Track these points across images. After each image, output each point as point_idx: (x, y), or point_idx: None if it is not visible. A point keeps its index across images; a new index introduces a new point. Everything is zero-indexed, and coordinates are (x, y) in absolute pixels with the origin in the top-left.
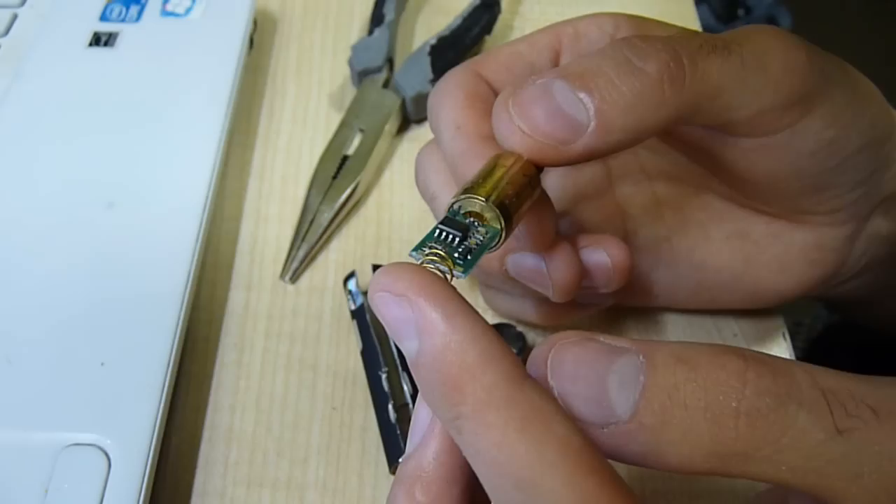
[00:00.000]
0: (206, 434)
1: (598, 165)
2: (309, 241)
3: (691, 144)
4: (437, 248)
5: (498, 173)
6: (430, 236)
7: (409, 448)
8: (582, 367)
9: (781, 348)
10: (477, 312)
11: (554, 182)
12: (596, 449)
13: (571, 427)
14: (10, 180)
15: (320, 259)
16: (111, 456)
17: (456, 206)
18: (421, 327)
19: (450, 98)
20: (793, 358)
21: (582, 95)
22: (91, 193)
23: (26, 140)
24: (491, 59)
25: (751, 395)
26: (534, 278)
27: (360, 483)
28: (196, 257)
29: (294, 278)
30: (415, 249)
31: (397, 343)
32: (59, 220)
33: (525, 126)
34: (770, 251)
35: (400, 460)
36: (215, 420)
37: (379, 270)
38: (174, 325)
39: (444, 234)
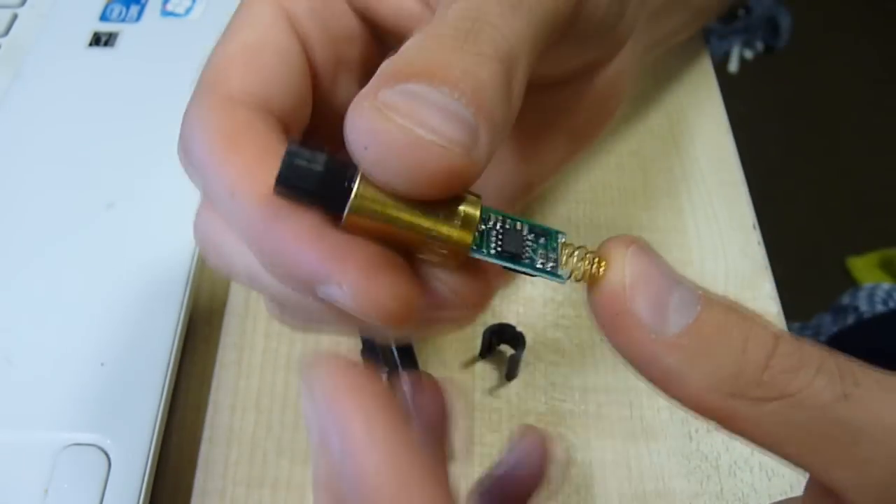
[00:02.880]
0: (206, 434)
1: None
2: None
3: None
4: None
5: None
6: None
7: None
8: (654, 275)
9: None
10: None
11: None
12: None
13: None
14: (9, 180)
15: None
16: (111, 456)
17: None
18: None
19: (203, 149)
20: None
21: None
22: (91, 193)
23: (26, 140)
24: (231, 66)
25: (781, 353)
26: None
27: None
28: (196, 257)
29: None
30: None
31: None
32: (59, 221)
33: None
34: None
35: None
36: (215, 420)
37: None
38: (174, 325)
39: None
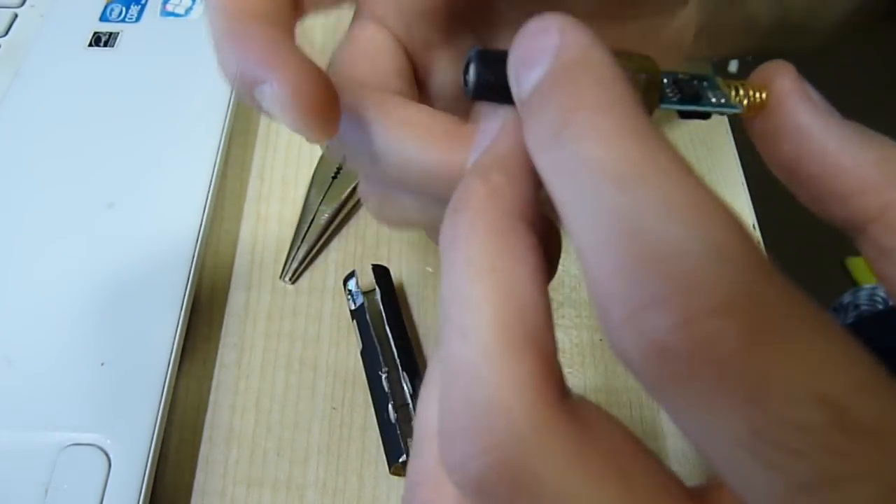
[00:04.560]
0: (206, 434)
1: None
2: (309, 241)
3: None
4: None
5: None
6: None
7: (473, 157)
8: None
9: None
10: None
11: None
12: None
13: (681, 156)
14: (10, 180)
15: (320, 259)
16: (111, 456)
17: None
18: (564, 44)
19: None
20: None
21: None
22: (91, 193)
23: (26, 140)
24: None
25: None
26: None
27: (360, 483)
28: (196, 257)
29: (294, 278)
30: None
31: (520, 80)
32: (60, 220)
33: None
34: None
35: (476, 159)
36: (215, 420)
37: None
38: (174, 326)
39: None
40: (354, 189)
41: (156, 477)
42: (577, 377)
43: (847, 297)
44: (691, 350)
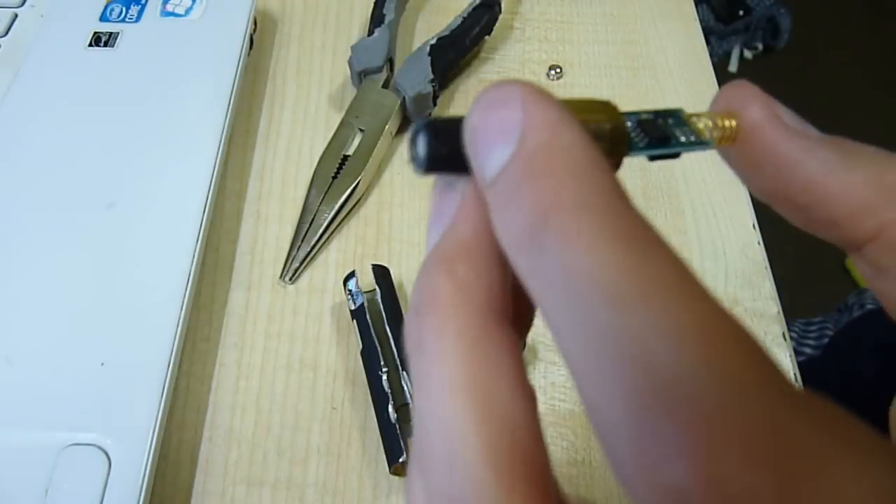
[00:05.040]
0: (206, 434)
1: None
2: (309, 241)
3: None
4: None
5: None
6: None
7: (432, 237)
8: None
9: (781, 348)
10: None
11: None
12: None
13: (679, 258)
14: (10, 180)
15: (320, 259)
16: (111, 456)
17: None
18: (528, 122)
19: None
20: (793, 361)
21: None
22: (91, 194)
23: (26, 140)
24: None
25: None
26: None
27: (360, 483)
28: (196, 257)
29: (294, 278)
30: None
31: (481, 159)
32: (60, 221)
33: None
34: None
35: (429, 247)
36: (215, 420)
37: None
38: (174, 325)
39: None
40: (354, 189)
41: (156, 477)
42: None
43: (852, 298)
44: None
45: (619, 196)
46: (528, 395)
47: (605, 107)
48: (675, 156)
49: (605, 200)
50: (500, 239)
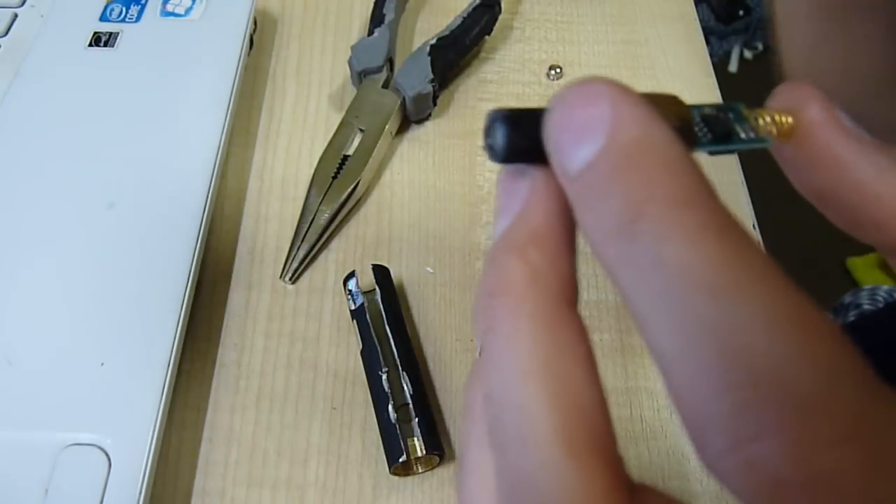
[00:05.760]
0: (206, 434)
1: None
2: (309, 241)
3: None
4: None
5: None
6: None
7: (500, 223)
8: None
9: None
10: None
11: None
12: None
13: (764, 251)
14: (10, 180)
15: (320, 259)
16: (111, 456)
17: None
18: (618, 118)
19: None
20: None
21: None
22: (91, 193)
23: (26, 140)
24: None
25: None
26: None
27: (360, 483)
28: (196, 257)
29: (294, 278)
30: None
31: (566, 153)
32: (60, 220)
33: None
34: None
35: (498, 231)
36: (215, 420)
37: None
38: (174, 326)
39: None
40: (354, 189)
41: (156, 477)
42: None
43: (848, 298)
44: (812, 485)
45: (710, 191)
46: (598, 383)
47: (674, 101)
48: (733, 152)
49: (697, 195)
50: (584, 230)
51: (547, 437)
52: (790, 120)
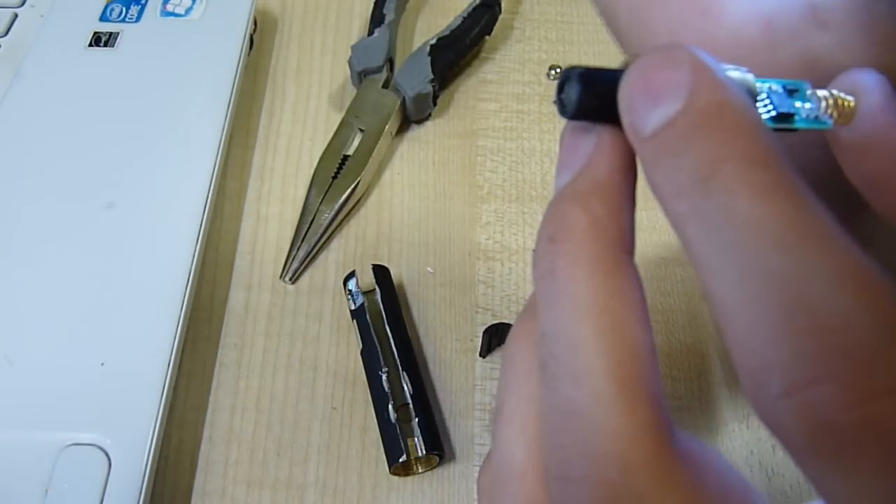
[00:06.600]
0: (206, 434)
1: None
2: (309, 241)
3: None
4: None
5: None
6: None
7: (563, 176)
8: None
9: None
10: None
11: None
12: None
13: (831, 213)
14: (9, 181)
15: (320, 259)
16: (111, 456)
17: None
18: (699, 83)
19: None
20: None
21: None
22: (91, 194)
23: (26, 140)
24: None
25: None
26: None
27: (360, 483)
28: (196, 257)
29: (294, 278)
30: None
31: (641, 112)
32: (60, 221)
33: None
34: None
35: (560, 184)
36: (215, 420)
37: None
38: (174, 326)
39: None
40: (354, 189)
41: (156, 477)
42: None
43: None
44: (864, 430)
45: (781, 154)
46: (650, 329)
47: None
48: (794, 130)
49: (770, 157)
50: (654, 187)
51: (600, 373)
52: (852, 103)
